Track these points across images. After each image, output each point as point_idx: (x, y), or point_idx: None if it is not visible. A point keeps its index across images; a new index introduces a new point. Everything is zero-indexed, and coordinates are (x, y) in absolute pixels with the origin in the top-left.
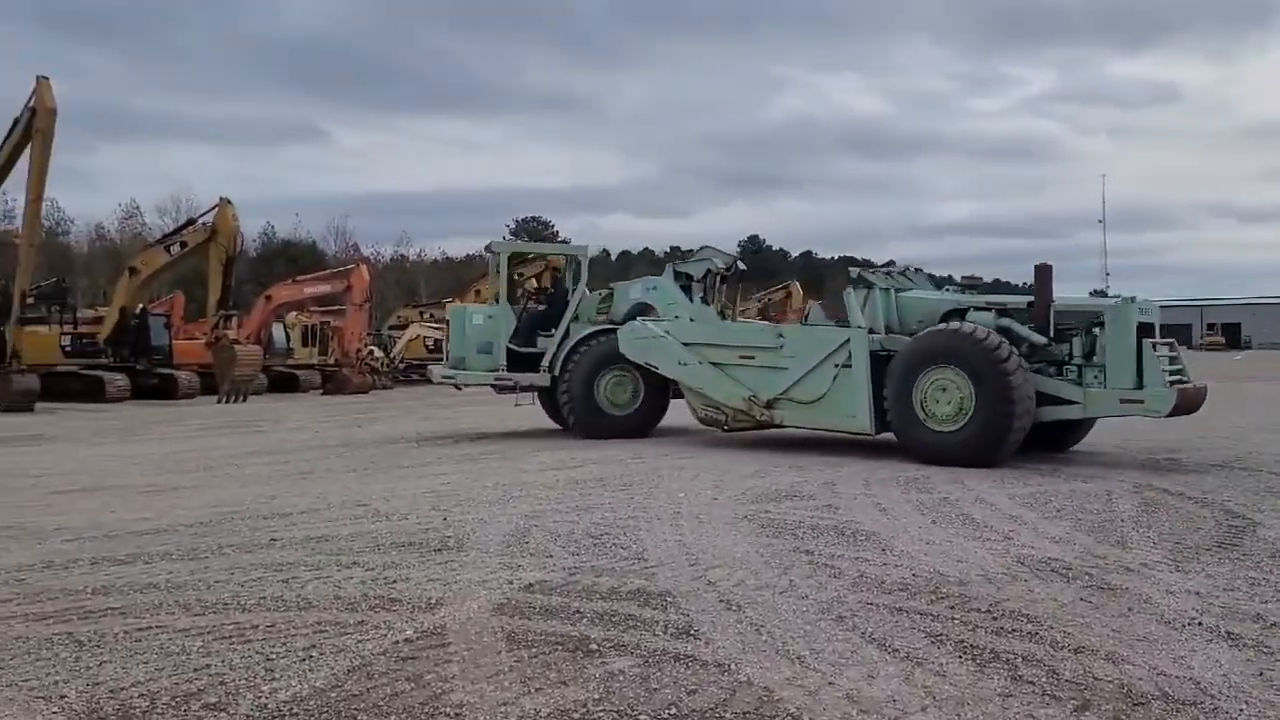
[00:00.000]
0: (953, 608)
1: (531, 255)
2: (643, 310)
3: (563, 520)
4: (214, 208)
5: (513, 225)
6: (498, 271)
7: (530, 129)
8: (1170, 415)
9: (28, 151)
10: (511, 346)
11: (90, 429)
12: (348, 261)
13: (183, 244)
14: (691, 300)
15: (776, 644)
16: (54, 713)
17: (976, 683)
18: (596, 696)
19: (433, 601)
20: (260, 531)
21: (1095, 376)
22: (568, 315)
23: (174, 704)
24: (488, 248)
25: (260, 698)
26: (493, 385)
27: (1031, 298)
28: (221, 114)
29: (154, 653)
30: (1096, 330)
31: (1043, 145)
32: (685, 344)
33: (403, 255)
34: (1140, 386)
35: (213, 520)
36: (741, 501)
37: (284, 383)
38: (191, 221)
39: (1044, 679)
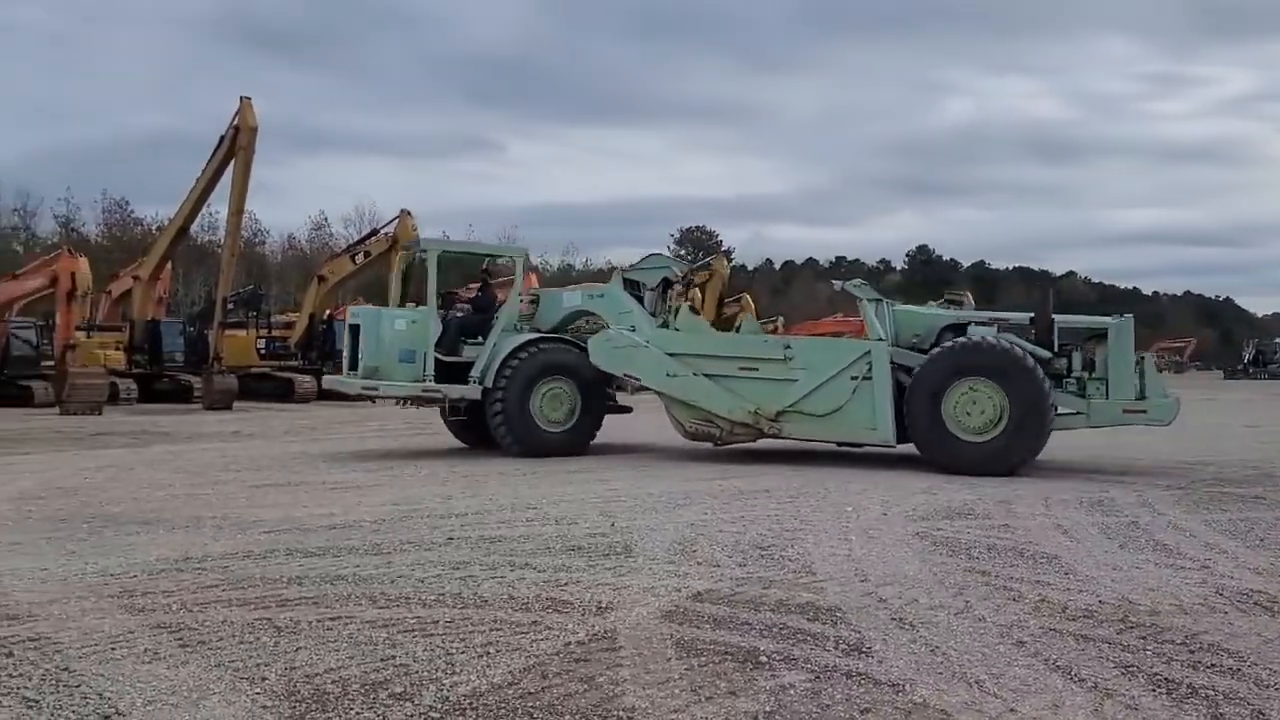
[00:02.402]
0: (1144, 638)
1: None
2: (577, 319)
3: (729, 530)
4: (395, 219)
5: (677, 235)
6: (405, 270)
7: (696, 138)
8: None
9: (230, 166)
10: (436, 355)
11: (282, 427)
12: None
13: (366, 253)
14: (649, 310)
15: (953, 666)
16: (257, 694)
17: (1174, 719)
18: (767, 709)
19: (603, 605)
20: (438, 530)
21: (1097, 388)
22: (500, 322)
23: (363, 692)
24: (407, 247)
25: (442, 690)
26: (417, 398)
27: (1032, 314)
28: (402, 128)
29: (344, 641)
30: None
31: (1237, 148)
32: (671, 354)
33: (569, 264)
34: (1142, 397)
35: (393, 518)
36: (912, 518)
37: None
38: (375, 232)
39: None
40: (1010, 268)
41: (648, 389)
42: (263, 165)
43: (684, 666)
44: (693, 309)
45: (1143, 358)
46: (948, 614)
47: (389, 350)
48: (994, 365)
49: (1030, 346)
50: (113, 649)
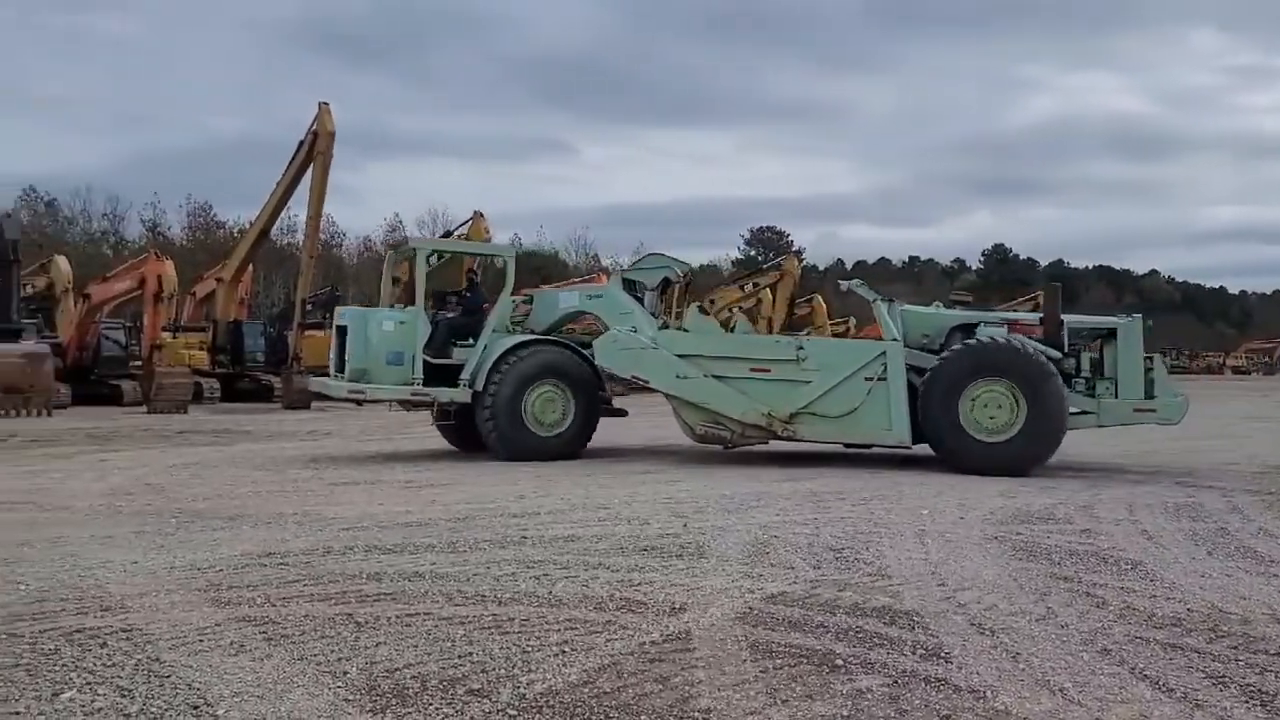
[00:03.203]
0: (1235, 648)
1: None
2: (573, 320)
3: (802, 532)
4: (468, 221)
5: (747, 235)
6: (388, 272)
7: (767, 138)
8: None
9: (309, 171)
10: (425, 357)
11: (358, 427)
12: (587, 271)
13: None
14: (649, 311)
15: (1035, 673)
16: (338, 687)
17: None
18: (845, 713)
19: (676, 606)
20: (512, 529)
21: (1106, 388)
22: (490, 323)
23: (442, 687)
24: (393, 246)
25: (519, 688)
26: (406, 402)
27: (1041, 315)
28: (475, 131)
29: (422, 637)
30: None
31: None
32: (680, 356)
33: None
34: (1151, 397)
35: (467, 515)
36: (990, 522)
37: None
38: (449, 234)
39: None
40: (1090, 266)
41: (634, 390)
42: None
43: (759, 669)
44: (701, 309)
45: (1151, 357)
46: (1029, 620)
47: (376, 352)
48: (1012, 365)
49: (1039, 346)
50: (200, 641)
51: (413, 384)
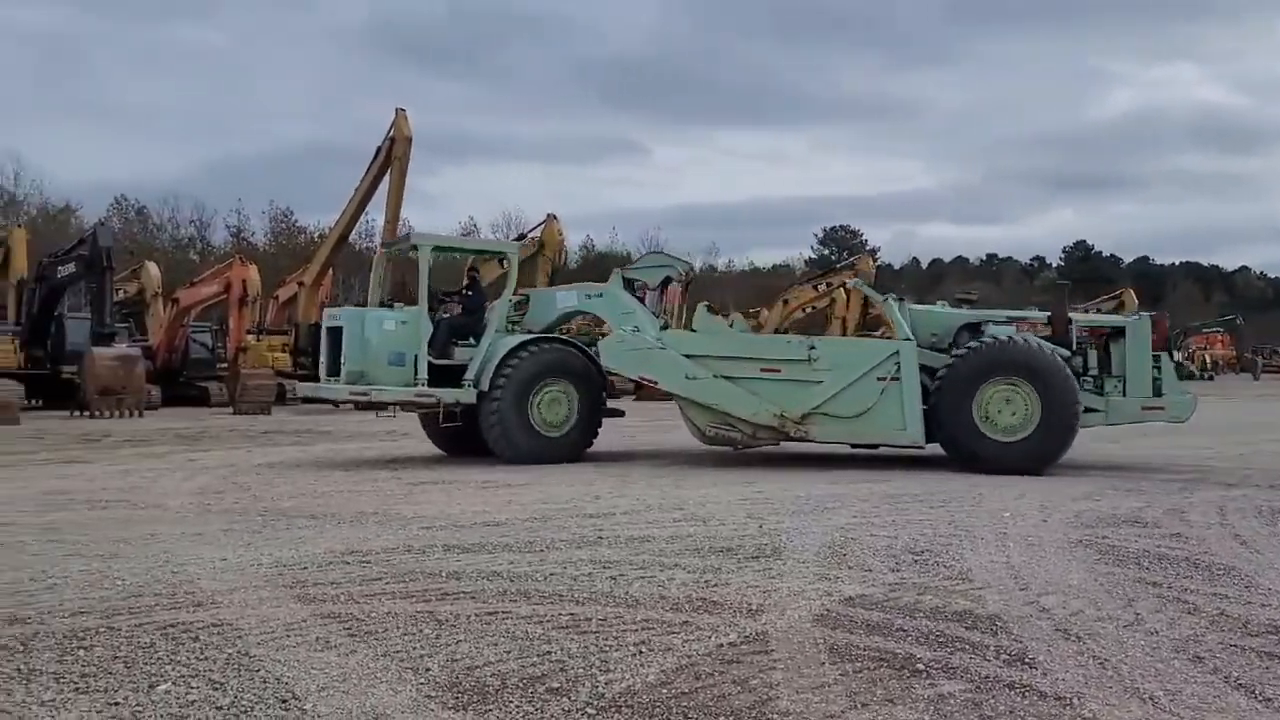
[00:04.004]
0: None
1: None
2: (570, 320)
3: (880, 534)
4: (542, 223)
5: (820, 234)
6: (381, 271)
7: (838, 136)
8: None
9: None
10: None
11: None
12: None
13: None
14: (650, 310)
15: (1124, 680)
16: (421, 683)
17: None
18: (926, 718)
19: (753, 608)
20: (587, 529)
21: (1115, 386)
22: (494, 322)
23: (522, 685)
24: (388, 243)
25: (597, 687)
26: (409, 404)
27: (1049, 312)
28: (547, 134)
29: (501, 636)
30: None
31: None
32: (689, 356)
33: (712, 266)
34: (1159, 395)
35: (544, 516)
36: (1075, 526)
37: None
38: (522, 237)
39: None
40: (1177, 263)
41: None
42: (416, 174)
43: (838, 672)
44: (711, 309)
45: (1159, 355)
46: (1116, 626)
47: (376, 353)
48: (1027, 364)
49: (1050, 345)
50: (288, 636)
51: (417, 385)
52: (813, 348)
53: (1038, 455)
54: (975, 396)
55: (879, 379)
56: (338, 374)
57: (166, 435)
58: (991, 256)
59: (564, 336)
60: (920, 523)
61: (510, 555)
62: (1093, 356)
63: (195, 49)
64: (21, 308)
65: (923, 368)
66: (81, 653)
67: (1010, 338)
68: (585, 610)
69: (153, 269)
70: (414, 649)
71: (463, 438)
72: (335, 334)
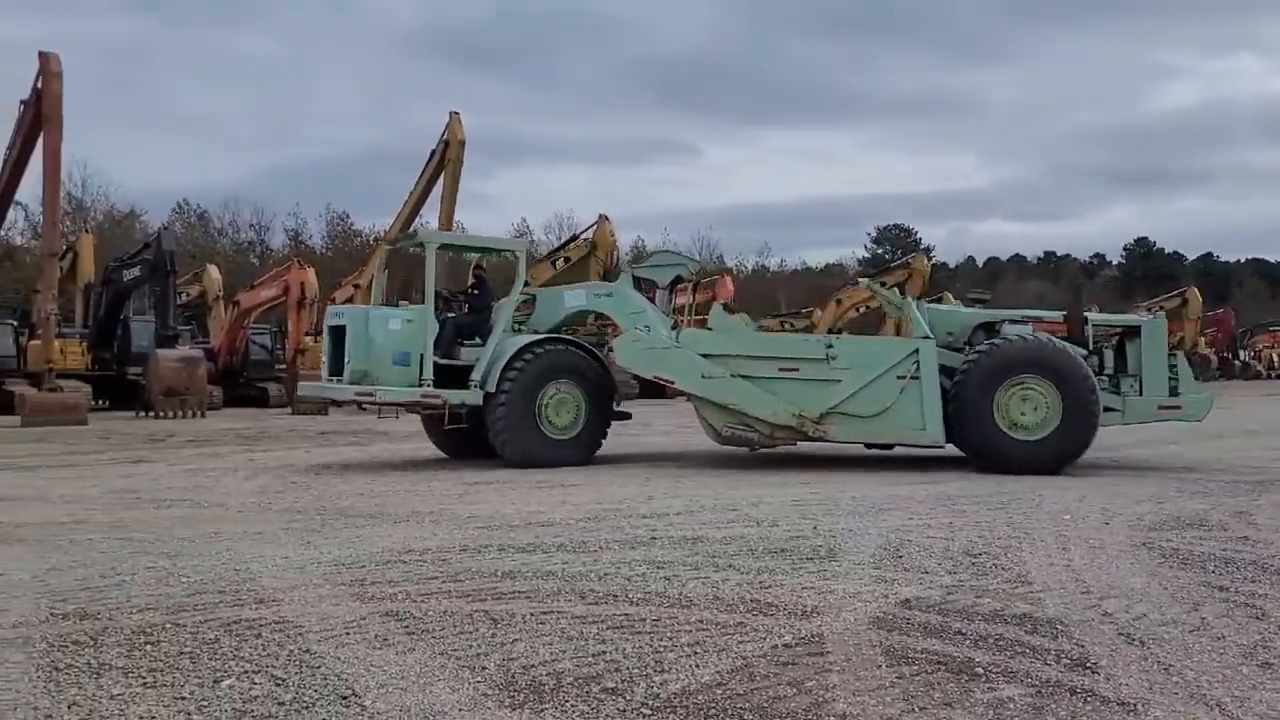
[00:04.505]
0: None
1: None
2: (576, 320)
3: (937, 536)
4: (594, 224)
5: (873, 233)
6: (382, 268)
7: (891, 134)
8: None
9: (440, 179)
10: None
11: None
12: (712, 273)
13: (566, 259)
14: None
15: (1190, 687)
16: (478, 682)
17: None
18: None
19: (808, 609)
20: (641, 529)
21: (1131, 386)
22: (502, 321)
23: (577, 685)
24: (390, 241)
25: (652, 687)
26: (416, 405)
27: (1065, 312)
28: (599, 135)
29: (556, 635)
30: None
31: None
32: (705, 355)
33: (764, 266)
34: (1175, 394)
35: (597, 516)
36: (1138, 528)
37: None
38: (574, 238)
39: None
40: (1243, 260)
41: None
42: (470, 176)
43: (895, 674)
44: (726, 307)
45: (1174, 354)
46: (1181, 631)
47: (381, 353)
48: (1048, 363)
49: (1064, 345)
50: (347, 634)
51: (423, 386)
52: (830, 346)
53: (1057, 455)
54: (995, 395)
55: (898, 377)
56: (340, 373)
57: (228, 435)
58: (1050, 254)
59: (571, 337)
60: (978, 525)
61: (564, 555)
62: (1108, 356)
63: (254, 57)
64: (89, 311)
65: (940, 367)
66: (149, 648)
67: (1030, 336)
68: (639, 610)
69: (214, 272)
70: (470, 647)
71: (467, 440)
72: (338, 333)
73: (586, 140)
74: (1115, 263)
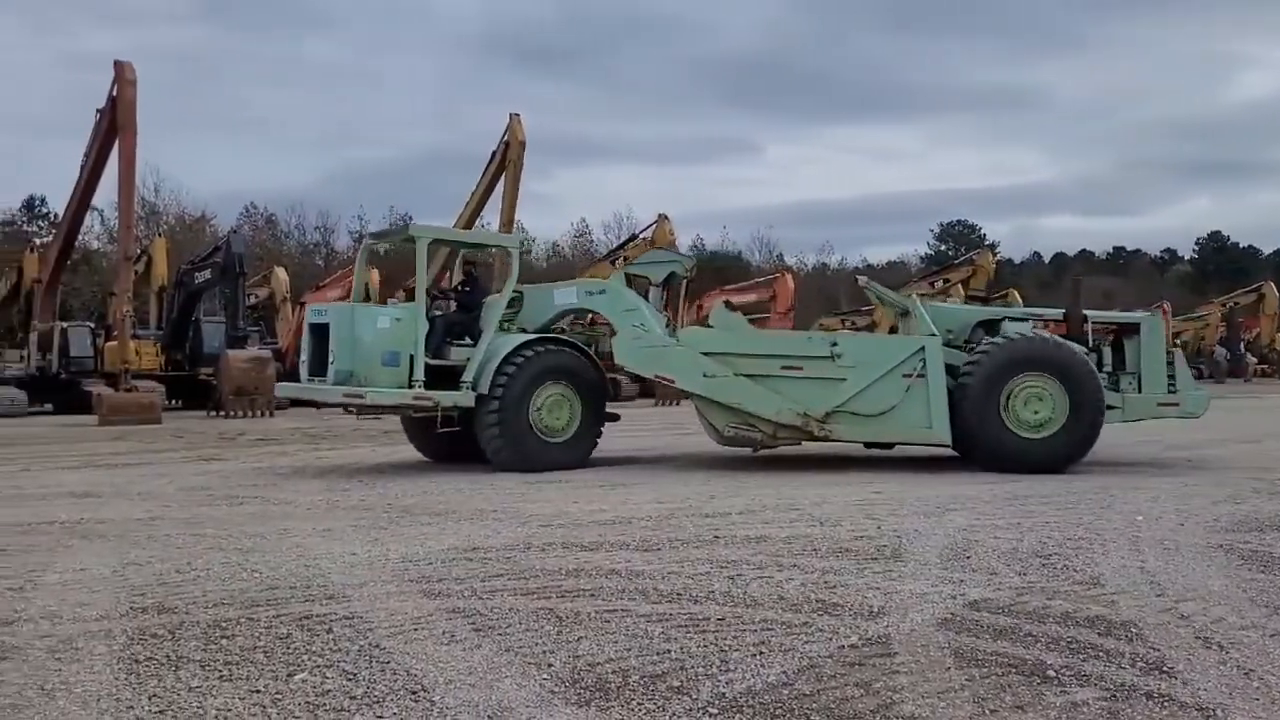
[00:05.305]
0: None
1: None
2: (565, 318)
3: (1005, 536)
4: (653, 223)
5: (936, 230)
6: (364, 264)
7: (954, 129)
8: None
9: (501, 180)
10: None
11: None
12: (771, 271)
13: (625, 258)
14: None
15: (1271, 692)
16: (544, 679)
17: None
18: None
19: (874, 610)
20: (704, 528)
21: (1130, 383)
22: (493, 320)
23: (643, 683)
24: (375, 235)
25: (718, 686)
26: (407, 408)
27: (1065, 309)
28: (659, 134)
29: (621, 634)
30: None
31: None
32: (706, 354)
33: (824, 264)
34: (1173, 391)
35: (660, 515)
36: (1215, 529)
37: None
38: (634, 237)
39: None
40: None
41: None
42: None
43: (964, 677)
44: (729, 305)
45: (1172, 351)
46: (1261, 635)
47: (369, 353)
48: (1055, 361)
49: (1065, 342)
50: (415, 630)
51: (413, 387)
52: (835, 344)
53: (1063, 453)
54: (1002, 392)
55: (904, 376)
56: (323, 373)
57: (295, 434)
58: (1119, 249)
59: (565, 336)
60: (1046, 525)
61: (628, 554)
62: (1107, 354)
63: (318, 62)
64: (163, 313)
65: (946, 365)
66: (224, 642)
67: (1033, 334)
68: (703, 609)
69: (281, 274)
70: (536, 645)
71: (452, 442)
72: (320, 331)
73: (647, 140)
74: (1187, 257)
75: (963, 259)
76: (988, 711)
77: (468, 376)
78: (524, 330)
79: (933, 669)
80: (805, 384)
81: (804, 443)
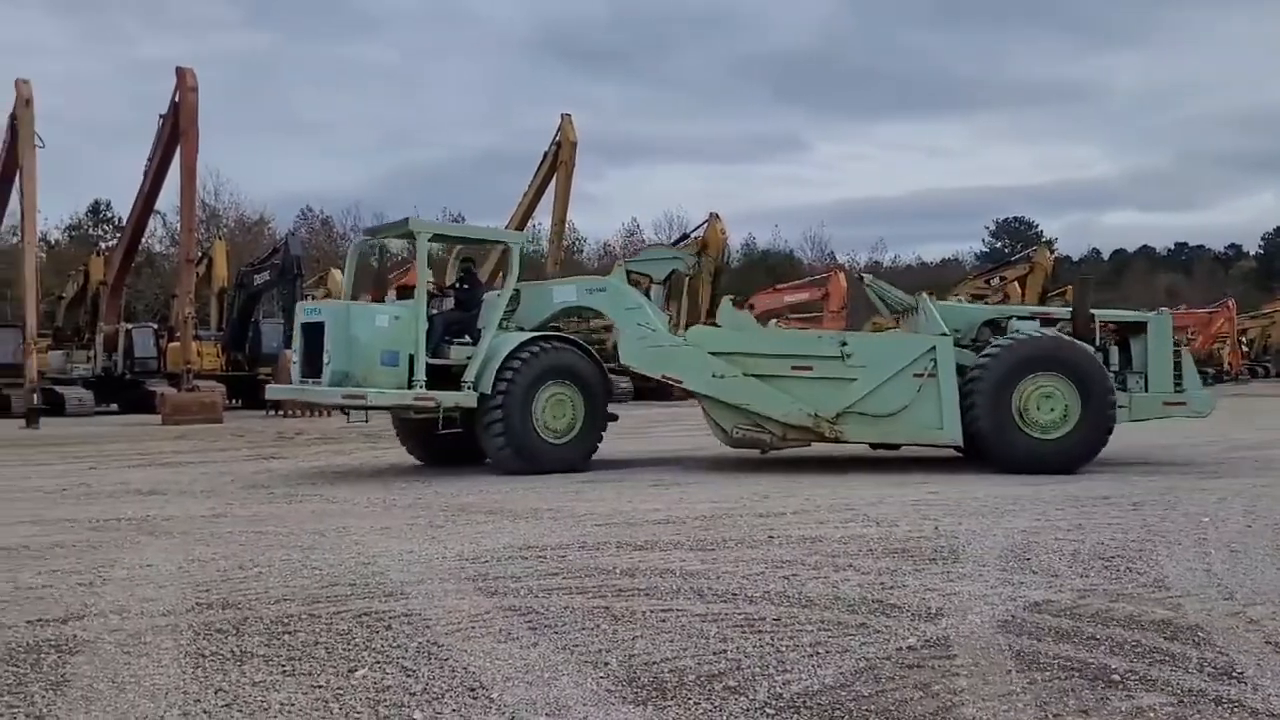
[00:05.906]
0: None
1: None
2: (563, 317)
3: (1066, 538)
4: (704, 223)
5: (992, 227)
6: (354, 261)
7: (1008, 124)
8: None
9: (553, 180)
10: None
11: None
12: (823, 270)
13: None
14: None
15: None
16: (601, 678)
17: None
18: None
19: (932, 611)
20: (758, 528)
21: (1136, 382)
22: (494, 319)
23: (699, 683)
24: (369, 231)
25: (775, 687)
26: (407, 409)
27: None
28: (710, 133)
29: (677, 633)
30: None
31: None
32: (714, 354)
33: (877, 262)
34: (1180, 390)
35: (714, 515)
36: None
37: None
38: (685, 236)
39: None
40: None
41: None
42: (582, 177)
43: (1026, 680)
44: (735, 303)
45: (1178, 350)
46: None
47: (367, 353)
48: (1068, 360)
49: (1073, 341)
50: (472, 627)
51: (414, 388)
52: (845, 344)
53: (1075, 454)
54: (1014, 392)
55: (915, 375)
56: (317, 375)
57: (351, 433)
58: (1181, 245)
59: (567, 335)
60: (1108, 526)
61: (682, 553)
62: (1114, 353)
63: (373, 66)
64: (223, 314)
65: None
66: (286, 637)
67: (1042, 333)
68: (759, 609)
69: (337, 275)
70: (592, 643)
71: (446, 444)
72: (313, 331)
73: (698, 138)
74: (1252, 253)
75: (1019, 256)
76: (1050, 715)
77: (469, 376)
78: (521, 328)
79: (993, 672)
80: (815, 384)
81: (810, 446)
